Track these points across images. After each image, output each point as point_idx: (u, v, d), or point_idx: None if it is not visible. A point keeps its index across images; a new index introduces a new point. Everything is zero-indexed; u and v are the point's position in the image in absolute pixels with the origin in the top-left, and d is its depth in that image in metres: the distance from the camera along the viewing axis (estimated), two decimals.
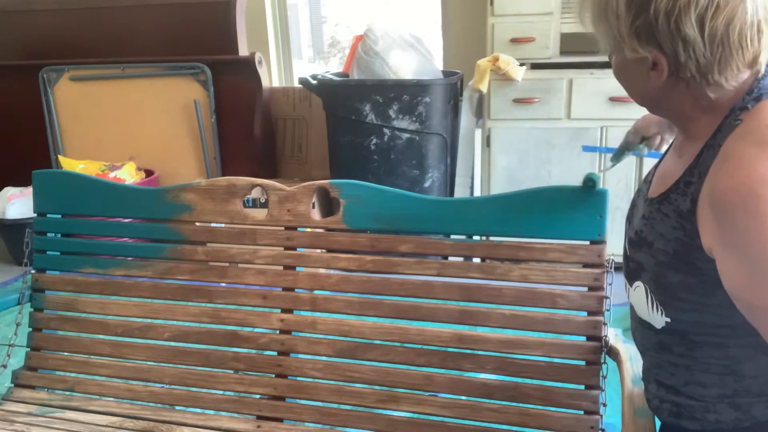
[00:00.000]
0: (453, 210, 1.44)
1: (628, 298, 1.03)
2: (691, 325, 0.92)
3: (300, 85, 3.60)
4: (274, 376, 1.53)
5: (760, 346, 0.88)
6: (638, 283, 0.97)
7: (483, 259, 1.48)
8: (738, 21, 0.79)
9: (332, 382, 1.49)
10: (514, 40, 3.12)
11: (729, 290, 0.82)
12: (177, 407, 1.58)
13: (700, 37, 0.80)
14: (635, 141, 1.36)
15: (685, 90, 0.87)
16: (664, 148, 1.31)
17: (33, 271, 1.69)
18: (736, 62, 0.82)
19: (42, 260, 1.69)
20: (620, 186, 3.08)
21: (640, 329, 1.02)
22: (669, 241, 0.90)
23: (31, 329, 1.69)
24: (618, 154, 1.42)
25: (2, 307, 1.68)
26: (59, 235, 1.70)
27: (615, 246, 1.38)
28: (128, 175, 3.72)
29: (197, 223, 1.60)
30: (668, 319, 0.93)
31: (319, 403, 1.51)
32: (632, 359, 1.28)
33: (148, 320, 1.63)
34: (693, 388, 0.96)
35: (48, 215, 1.69)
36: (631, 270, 0.99)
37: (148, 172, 3.90)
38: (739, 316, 0.83)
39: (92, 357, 1.65)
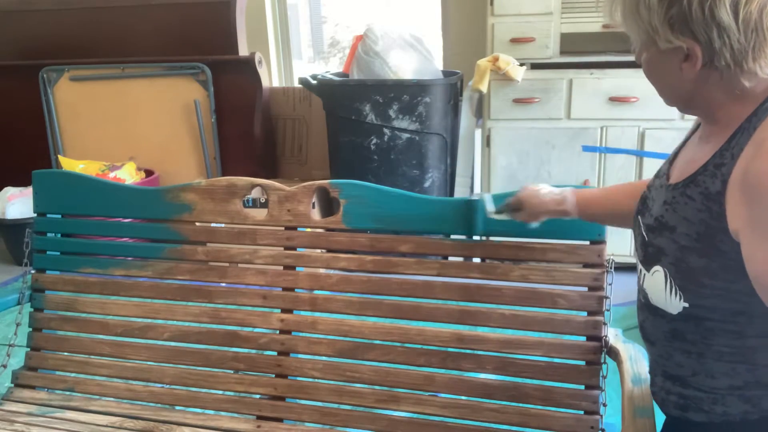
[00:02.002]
0: (453, 210, 1.44)
1: (641, 285, 1.02)
2: (709, 311, 0.92)
3: (300, 85, 3.60)
4: (274, 376, 1.53)
5: None
6: (657, 268, 0.96)
7: (483, 259, 1.48)
8: None
9: (332, 382, 1.49)
10: (514, 40, 3.12)
11: (753, 275, 0.82)
12: (177, 407, 1.58)
13: (735, 24, 0.81)
14: (514, 207, 1.33)
15: (719, 80, 0.87)
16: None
17: (33, 271, 1.69)
18: None
19: (42, 260, 1.69)
20: None
21: (650, 319, 1.01)
22: (693, 224, 0.90)
23: (31, 329, 1.69)
24: (500, 211, 1.37)
25: (2, 307, 1.68)
26: (59, 235, 1.70)
27: (615, 246, 1.38)
28: (128, 175, 3.72)
29: (197, 223, 1.60)
30: (686, 304, 0.93)
31: (319, 403, 1.51)
32: (632, 359, 1.28)
33: (148, 320, 1.63)
34: (702, 379, 0.96)
35: (48, 215, 1.69)
36: (649, 255, 0.98)
37: (148, 172, 3.90)
38: (758, 305, 0.83)
39: (92, 357, 1.65)
